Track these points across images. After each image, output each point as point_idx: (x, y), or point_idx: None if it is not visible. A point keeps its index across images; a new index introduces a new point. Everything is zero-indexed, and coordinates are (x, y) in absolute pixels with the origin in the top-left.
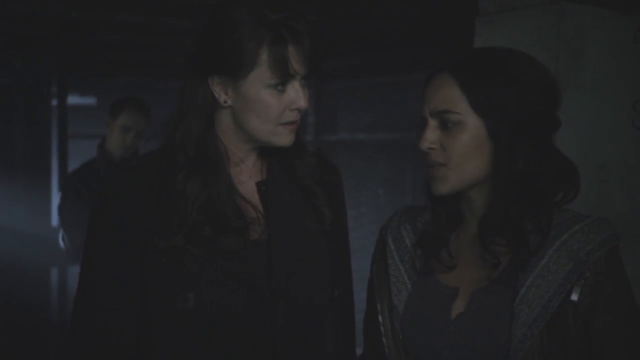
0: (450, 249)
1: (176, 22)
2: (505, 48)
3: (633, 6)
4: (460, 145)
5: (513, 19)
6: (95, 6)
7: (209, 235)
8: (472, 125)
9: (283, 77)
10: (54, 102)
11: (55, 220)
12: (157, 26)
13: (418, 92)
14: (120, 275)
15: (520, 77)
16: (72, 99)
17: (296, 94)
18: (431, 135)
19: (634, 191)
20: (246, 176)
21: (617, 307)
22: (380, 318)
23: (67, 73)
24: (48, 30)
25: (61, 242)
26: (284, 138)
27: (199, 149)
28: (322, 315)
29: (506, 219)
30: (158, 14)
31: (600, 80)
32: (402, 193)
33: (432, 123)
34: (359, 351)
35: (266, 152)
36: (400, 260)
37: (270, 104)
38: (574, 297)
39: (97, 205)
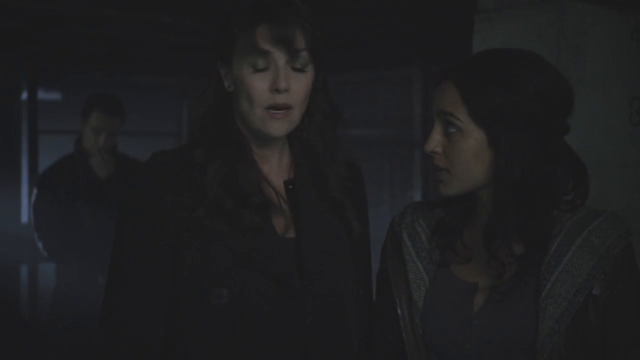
0: (465, 241)
1: (148, 17)
2: (510, 51)
3: (631, 4)
4: (461, 154)
5: (512, 17)
6: (67, 0)
7: (230, 208)
8: (472, 134)
9: (255, 55)
10: (24, 97)
11: (25, 216)
12: (129, 21)
13: (394, 89)
14: (152, 268)
15: (521, 86)
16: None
17: (275, 74)
18: (436, 138)
19: (631, 188)
20: (273, 174)
21: (631, 299)
22: (399, 312)
23: (37, 67)
24: (17, 23)
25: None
26: (271, 126)
27: (218, 128)
28: (349, 313)
29: (509, 225)
30: (130, 8)
31: (599, 78)
32: (380, 189)
33: (437, 126)
34: None
35: (296, 153)
36: (417, 257)
37: (251, 84)
38: (596, 291)
39: (126, 200)
